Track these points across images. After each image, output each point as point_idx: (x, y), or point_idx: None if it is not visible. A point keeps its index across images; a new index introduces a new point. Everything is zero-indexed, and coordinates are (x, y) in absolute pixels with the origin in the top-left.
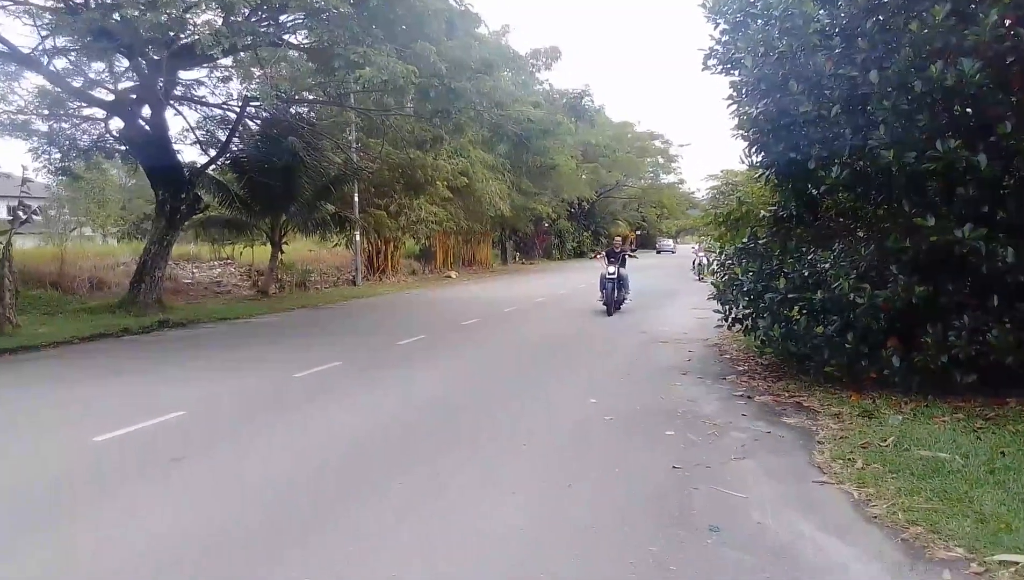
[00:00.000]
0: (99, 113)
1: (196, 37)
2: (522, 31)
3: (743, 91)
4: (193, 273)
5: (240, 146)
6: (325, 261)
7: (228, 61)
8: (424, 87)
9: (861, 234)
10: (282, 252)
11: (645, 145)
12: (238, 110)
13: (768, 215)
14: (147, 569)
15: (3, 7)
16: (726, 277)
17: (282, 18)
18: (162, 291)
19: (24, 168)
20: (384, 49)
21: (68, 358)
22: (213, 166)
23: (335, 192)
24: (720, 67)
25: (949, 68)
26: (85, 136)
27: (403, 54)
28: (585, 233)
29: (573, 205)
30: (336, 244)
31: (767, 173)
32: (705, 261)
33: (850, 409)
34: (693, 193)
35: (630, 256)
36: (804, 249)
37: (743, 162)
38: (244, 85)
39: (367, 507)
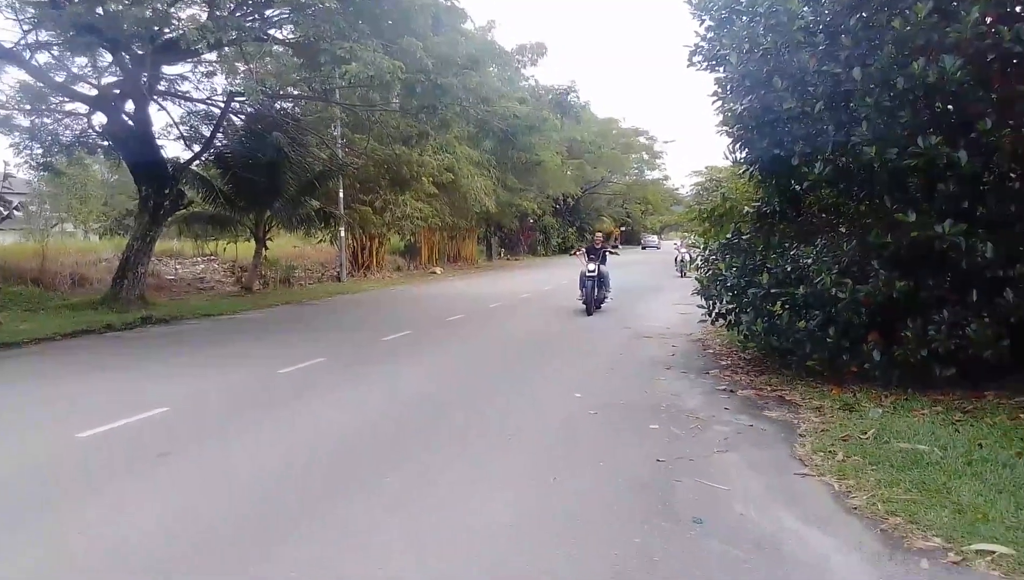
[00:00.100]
0: (82, 108)
1: (181, 32)
2: (508, 27)
3: (728, 87)
4: (176, 269)
5: (224, 142)
6: (309, 257)
7: (213, 56)
8: (410, 83)
9: (843, 230)
10: (266, 248)
11: (630, 141)
12: (222, 105)
13: (752, 211)
14: (137, 565)
15: None
16: (710, 272)
17: (268, 13)
18: (145, 287)
19: (5, 163)
20: (370, 44)
21: (51, 354)
22: (197, 162)
23: (320, 188)
24: (705, 64)
25: (931, 65)
26: (67, 131)
27: (389, 49)
28: (570, 229)
29: (558, 201)
30: (321, 240)
31: (751, 169)
32: (687, 257)
33: (831, 402)
34: (677, 189)
35: (611, 252)
36: (787, 245)
37: (727, 158)
38: (229, 80)
39: (356, 503)
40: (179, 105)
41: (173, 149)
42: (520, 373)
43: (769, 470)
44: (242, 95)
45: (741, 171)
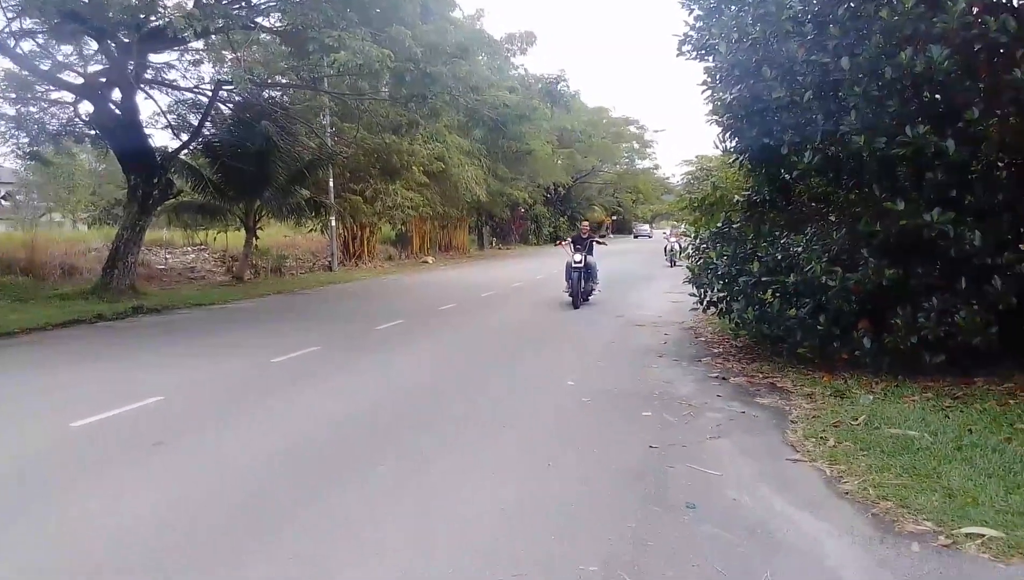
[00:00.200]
0: (68, 97)
1: (167, 19)
2: (496, 15)
3: (717, 77)
4: (166, 259)
5: (213, 131)
6: (300, 247)
7: (200, 44)
8: (399, 71)
9: (833, 218)
10: (257, 238)
11: (620, 131)
12: (210, 94)
13: (742, 200)
14: (132, 555)
15: None
16: (701, 261)
17: (255, 0)
18: (135, 277)
19: None
20: (359, 33)
21: (43, 344)
22: (185, 151)
23: (310, 177)
24: (695, 53)
25: (918, 55)
26: (54, 120)
27: (378, 38)
28: (561, 218)
29: (549, 190)
30: (311, 229)
31: (741, 158)
32: (677, 247)
33: (822, 389)
34: (668, 178)
35: (599, 242)
36: (777, 233)
37: (717, 147)
38: (216, 69)
39: (350, 491)
40: (166, 94)
41: (161, 138)
42: (513, 361)
43: (761, 456)
44: (230, 83)
45: (731, 160)
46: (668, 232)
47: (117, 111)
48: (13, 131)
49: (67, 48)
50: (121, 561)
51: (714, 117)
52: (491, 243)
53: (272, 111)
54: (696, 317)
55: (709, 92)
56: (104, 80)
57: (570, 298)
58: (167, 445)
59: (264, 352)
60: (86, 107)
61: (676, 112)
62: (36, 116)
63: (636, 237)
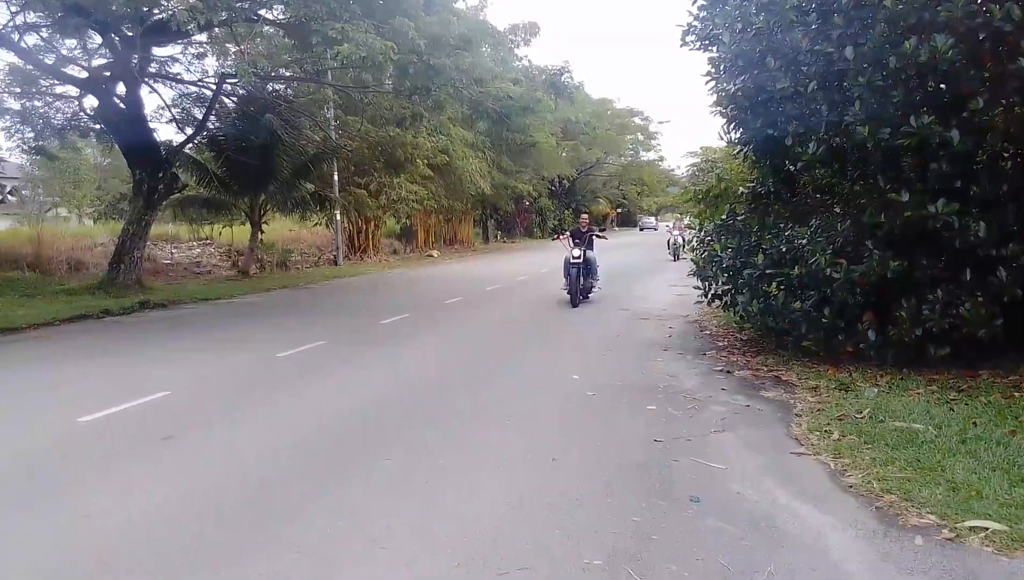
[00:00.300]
0: (73, 91)
1: (171, 13)
2: (499, 6)
3: (721, 67)
4: (172, 253)
5: (217, 124)
6: (306, 241)
7: (203, 37)
8: (403, 63)
9: (837, 210)
10: (262, 232)
11: (625, 122)
12: (214, 87)
13: (746, 191)
14: (142, 546)
15: None
16: (705, 253)
17: None
18: (142, 272)
19: None
20: (362, 25)
21: (50, 339)
22: (190, 145)
23: (314, 170)
24: (698, 43)
25: (923, 44)
26: (59, 114)
27: (381, 30)
28: (566, 211)
29: (554, 183)
30: (316, 223)
31: (745, 150)
32: (681, 240)
33: (827, 382)
34: (673, 170)
35: (598, 237)
36: (782, 225)
37: (722, 139)
38: (220, 62)
39: (357, 484)
40: (171, 87)
41: (166, 132)
42: (518, 355)
43: (766, 449)
44: (234, 77)
45: (736, 151)
46: (671, 225)
47: (121, 105)
48: (18, 126)
49: (71, 42)
50: (129, 556)
51: (718, 108)
52: (496, 236)
53: (276, 104)
54: (701, 310)
55: (713, 83)
56: (108, 74)
57: (568, 296)
58: (175, 439)
59: (270, 347)
60: (91, 101)
61: (681, 103)
62: (41, 111)
63: (642, 230)
